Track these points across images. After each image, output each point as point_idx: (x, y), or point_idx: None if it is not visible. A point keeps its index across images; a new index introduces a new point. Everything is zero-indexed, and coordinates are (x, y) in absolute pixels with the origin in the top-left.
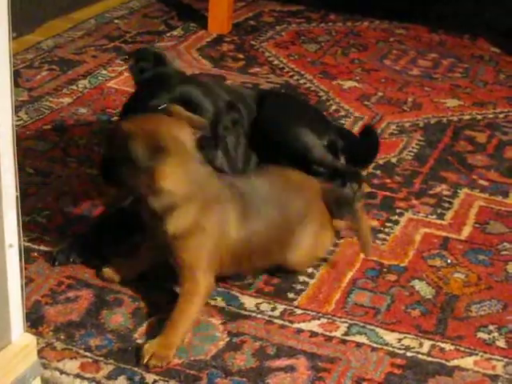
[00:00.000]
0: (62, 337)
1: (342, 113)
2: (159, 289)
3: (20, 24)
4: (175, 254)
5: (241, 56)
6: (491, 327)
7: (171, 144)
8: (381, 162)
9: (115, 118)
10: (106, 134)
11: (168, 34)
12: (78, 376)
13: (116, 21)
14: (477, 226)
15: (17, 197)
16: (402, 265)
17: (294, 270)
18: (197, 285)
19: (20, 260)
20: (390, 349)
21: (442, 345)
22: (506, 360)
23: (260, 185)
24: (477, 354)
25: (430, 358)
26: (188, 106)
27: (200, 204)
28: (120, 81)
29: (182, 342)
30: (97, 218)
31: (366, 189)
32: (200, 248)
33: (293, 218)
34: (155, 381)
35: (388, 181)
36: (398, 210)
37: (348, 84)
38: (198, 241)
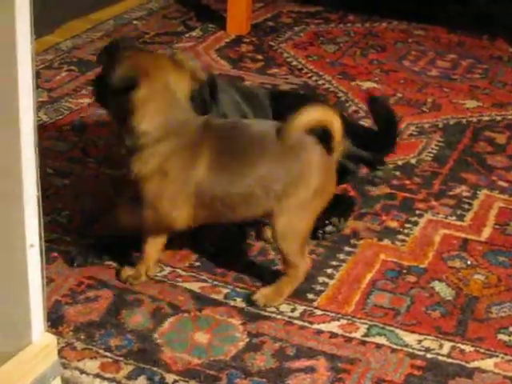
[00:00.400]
0: (82, 337)
1: (362, 114)
2: (179, 289)
3: (39, 25)
4: (140, 194)
5: (259, 57)
6: (511, 329)
7: (156, 83)
8: (400, 163)
9: None
10: (104, 51)
11: (187, 35)
12: (97, 376)
13: (135, 22)
14: (496, 227)
15: (38, 197)
16: (422, 266)
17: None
18: (164, 216)
19: (41, 260)
20: (410, 350)
21: (462, 346)
22: None
23: (252, 134)
24: (497, 356)
25: (450, 360)
26: None
27: (169, 148)
28: None
29: None
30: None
31: (386, 190)
32: (161, 191)
33: (273, 179)
34: (175, 381)
35: (407, 182)
36: (417, 211)
37: (367, 85)
38: (158, 184)
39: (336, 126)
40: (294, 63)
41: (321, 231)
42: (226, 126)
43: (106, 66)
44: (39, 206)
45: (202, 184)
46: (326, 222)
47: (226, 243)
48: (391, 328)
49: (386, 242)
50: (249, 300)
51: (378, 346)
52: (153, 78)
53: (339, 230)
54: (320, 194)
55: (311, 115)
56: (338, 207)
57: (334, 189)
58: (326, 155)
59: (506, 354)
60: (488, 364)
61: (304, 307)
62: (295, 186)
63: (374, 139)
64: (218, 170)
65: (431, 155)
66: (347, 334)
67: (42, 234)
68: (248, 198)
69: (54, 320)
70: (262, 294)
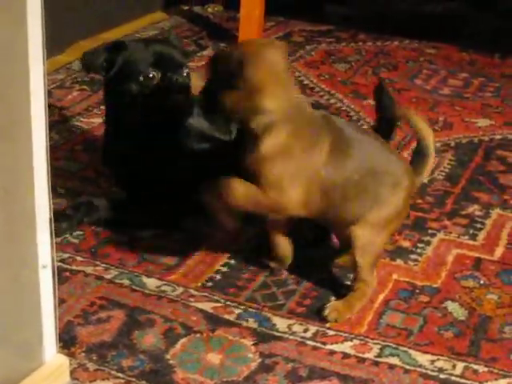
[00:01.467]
0: (94, 357)
1: None
2: (191, 309)
3: (50, 44)
4: (259, 176)
5: None
6: None
7: (278, 67)
8: None
9: None
10: (210, 60)
11: (199, 54)
12: None
13: None
14: (509, 246)
15: (50, 219)
16: (435, 286)
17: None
18: (282, 197)
19: (53, 281)
20: (423, 370)
21: (476, 367)
22: None
23: (358, 131)
24: (511, 377)
25: (463, 380)
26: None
27: (294, 127)
28: None
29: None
30: None
31: None
32: (283, 170)
33: (382, 178)
34: None
35: (420, 201)
36: (429, 231)
37: None
38: (281, 164)
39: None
40: (306, 82)
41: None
42: (339, 120)
43: (218, 72)
44: (51, 227)
45: (321, 169)
46: None
47: (239, 263)
48: (404, 348)
49: (399, 261)
50: (319, 315)
51: (391, 367)
52: (278, 69)
53: None
54: (401, 214)
55: (420, 121)
56: None
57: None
58: (415, 177)
59: None
60: None
61: (317, 327)
62: (375, 206)
63: None
64: (338, 157)
65: (443, 174)
66: (360, 355)
67: (55, 255)
68: (361, 192)
69: (66, 341)
70: (333, 308)
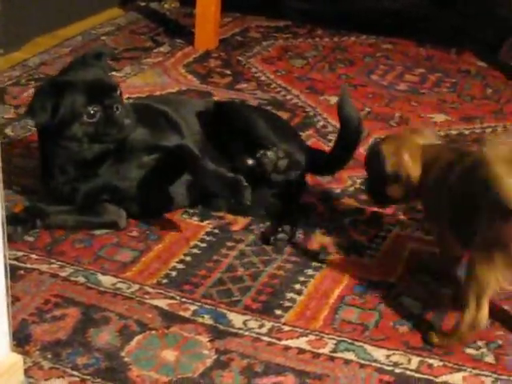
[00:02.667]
0: (49, 356)
1: (330, 128)
2: (146, 306)
3: (6, 41)
4: None
5: (228, 72)
6: (480, 343)
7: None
8: None
9: None
10: (372, 157)
11: (155, 51)
12: None
13: (103, 37)
14: None
15: (2, 216)
16: (390, 281)
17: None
18: None
19: (6, 279)
20: (379, 365)
21: (431, 361)
22: (494, 376)
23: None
24: (465, 370)
25: (418, 375)
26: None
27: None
28: None
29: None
30: None
31: (354, 205)
32: None
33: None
34: None
35: None
36: (385, 226)
37: (335, 99)
38: None
39: None
40: (263, 78)
41: (273, 237)
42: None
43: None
44: (4, 225)
45: None
46: (279, 229)
47: (194, 260)
48: (359, 343)
49: (354, 257)
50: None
51: (347, 362)
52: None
53: (291, 238)
54: None
55: None
56: (291, 216)
57: None
58: None
59: (474, 368)
60: (456, 378)
61: (272, 323)
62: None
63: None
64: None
65: None
66: (315, 350)
67: (7, 253)
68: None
69: (21, 339)
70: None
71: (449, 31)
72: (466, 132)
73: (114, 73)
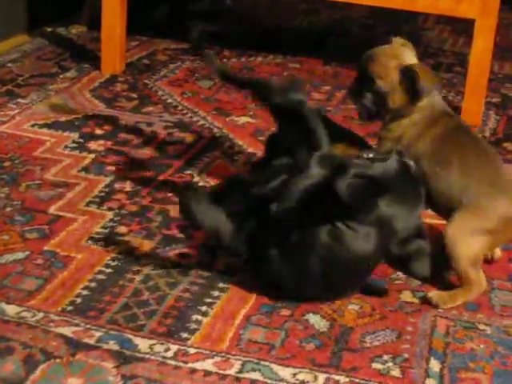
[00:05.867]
0: None
1: (236, 149)
2: (51, 334)
3: None
4: None
5: (134, 95)
6: (386, 357)
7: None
8: None
9: (7, 163)
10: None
11: (61, 76)
12: None
13: (9, 64)
14: None
15: None
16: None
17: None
18: None
19: None
20: None
21: (337, 377)
22: None
23: (478, 141)
24: None
25: None
26: None
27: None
28: (12, 125)
29: None
30: None
31: None
32: None
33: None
34: None
35: None
36: None
37: (242, 120)
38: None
39: None
40: (169, 100)
41: None
42: (467, 125)
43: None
44: None
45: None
46: None
47: (99, 286)
48: (266, 363)
49: None
50: (423, 297)
51: (253, 382)
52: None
53: None
54: (494, 235)
55: None
56: None
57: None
58: None
59: (380, 383)
60: None
61: (178, 346)
62: (473, 211)
63: None
64: (438, 150)
65: None
66: (221, 372)
67: None
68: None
69: None
70: (438, 294)
71: (355, 48)
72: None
73: (19, 99)
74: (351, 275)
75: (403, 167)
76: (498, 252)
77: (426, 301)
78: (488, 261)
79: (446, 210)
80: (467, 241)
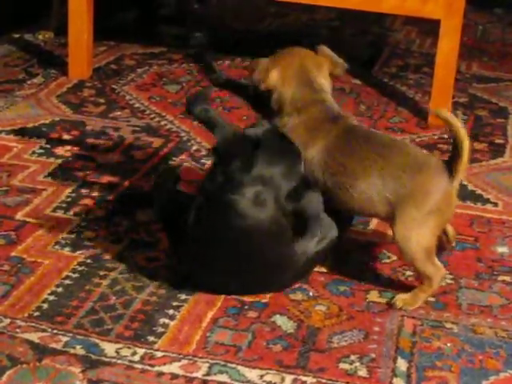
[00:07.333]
0: None
1: (203, 152)
2: (18, 340)
3: None
4: None
5: (102, 100)
6: (353, 357)
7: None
8: None
9: None
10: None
11: (28, 82)
12: None
13: None
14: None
15: None
16: (264, 301)
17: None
18: None
19: None
20: None
21: (304, 378)
22: None
23: (380, 143)
24: None
25: None
26: None
27: (294, 123)
28: None
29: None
30: None
31: None
32: None
33: (385, 188)
34: None
35: None
36: None
37: None
38: None
39: (466, 144)
40: (137, 105)
41: None
42: (357, 127)
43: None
44: None
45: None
46: None
47: (66, 291)
48: (233, 365)
49: None
50: (388, 302)
51: None
52: (283, 65)
53: None
54: (436, 215)
55: (455, 121)
56: None
57: (452, 211)
58: (446, 179)
59: (347, 383)
60: None
61: (144, 350)
62: (406, 203)
63: None
64: (330, 160)
65: None
66: (188, 375)
67: None
68: (360, 199)
69: None
70: (401, 298)
71: None
72: None
73: None
74: (264, 251)
75: (278, 133)
76: (449, 229)
77: (391, 306)
78: (447, 243)
79: (375, 214)
80: (417, 232)
